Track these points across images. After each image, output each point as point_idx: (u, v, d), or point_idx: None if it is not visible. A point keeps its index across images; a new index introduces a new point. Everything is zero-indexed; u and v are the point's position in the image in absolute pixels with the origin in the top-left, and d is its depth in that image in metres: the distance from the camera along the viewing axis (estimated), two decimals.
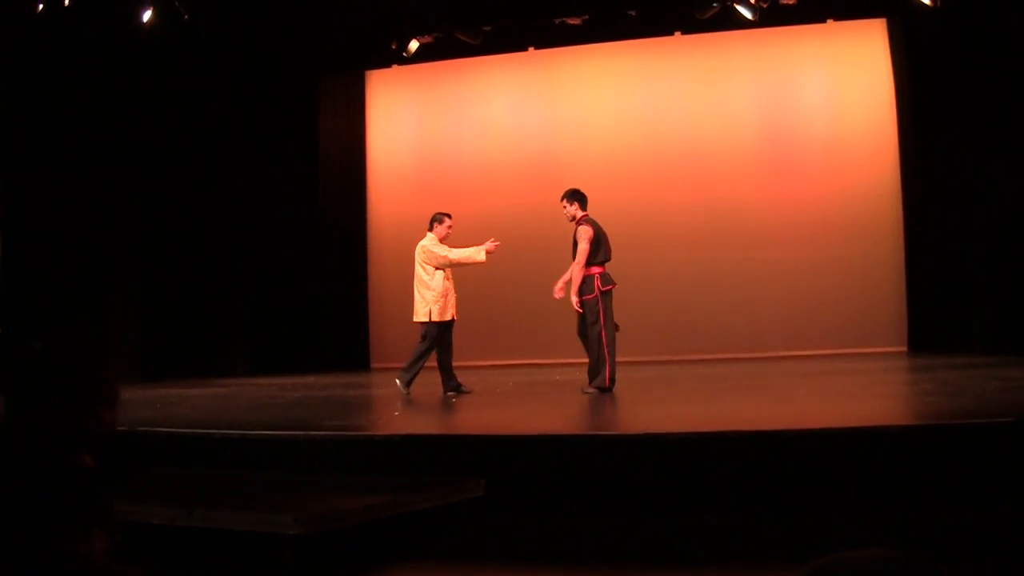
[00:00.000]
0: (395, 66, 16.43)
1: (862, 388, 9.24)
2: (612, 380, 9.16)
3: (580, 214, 9.50)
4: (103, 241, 13.91)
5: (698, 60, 15.71)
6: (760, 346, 14.66)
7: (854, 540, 2.04)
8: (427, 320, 9.66)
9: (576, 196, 9.61)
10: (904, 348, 14.12)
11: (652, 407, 8.46)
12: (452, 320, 9.77)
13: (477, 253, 9.63)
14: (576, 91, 16.27)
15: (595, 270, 9.32)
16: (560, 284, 9.43)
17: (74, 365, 2.38)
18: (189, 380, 13.32)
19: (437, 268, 9.68)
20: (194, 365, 14.45)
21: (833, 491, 5.45)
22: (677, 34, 15.22)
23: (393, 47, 15.43)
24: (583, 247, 9.26)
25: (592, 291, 9.24)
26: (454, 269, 9.85)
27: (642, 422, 7.25)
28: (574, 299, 9.21)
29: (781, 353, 14.33)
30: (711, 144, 15.49)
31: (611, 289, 9.31)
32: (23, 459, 2.23)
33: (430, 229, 9.97)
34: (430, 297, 9.66)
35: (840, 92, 15.27)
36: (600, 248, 9.38)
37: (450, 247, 9.83)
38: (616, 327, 9.33)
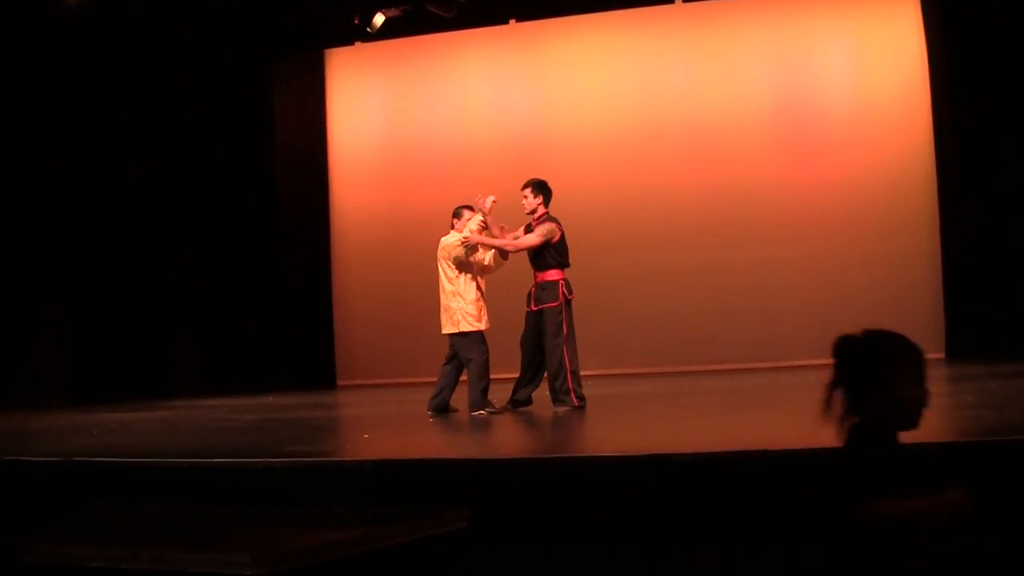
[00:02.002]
0: (358, 43, 16.48)
1: None
2: (581, 398, 9.27)
3: (543, 210, 9.58)
4: (23, 248, 13.85)
5: (702, 29, 15.80)
6: (776, 355, 14.70)
7: None
8: (461, 331, 9.64)
9: (543, 188, 9.66)
10: (941, 355, 14.15)
11: (656, 425, 8.46)
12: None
13: (472, 224, 9.66)
14: (563, 68, 16.32)
15: (558, 275, 9.42)
16: (480, 228, 9.55)
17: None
18: (129, 403, 13.28)
19: (459, 263, 9.69)
20: (134, 386, 14.45)
21: None
22: (678, 0, 15.29)
23: (356, 22, 15.46)
24: (532, 242, 9.36)
25: (556, 298, 9.33)
26: (484, 275, 9.90)
27: (645, 442, 7.24)
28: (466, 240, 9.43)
29: (802, 363, 14.32)
30: (719, 124, 15.54)
31: (572, 299, 9.44)
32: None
33: (452, 226, 9.98)
34: (460, 304, 9.65)
35: (866, 62, 15.30)
36: (564, 250, 9.50)
37: None
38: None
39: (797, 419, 8.29)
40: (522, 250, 9.50)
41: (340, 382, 16.75)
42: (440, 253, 9.80)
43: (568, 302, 9.36)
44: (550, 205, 9.66)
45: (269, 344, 16.17)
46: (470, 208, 9.92)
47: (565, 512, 5.79)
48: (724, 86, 15.62)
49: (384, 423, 9.61)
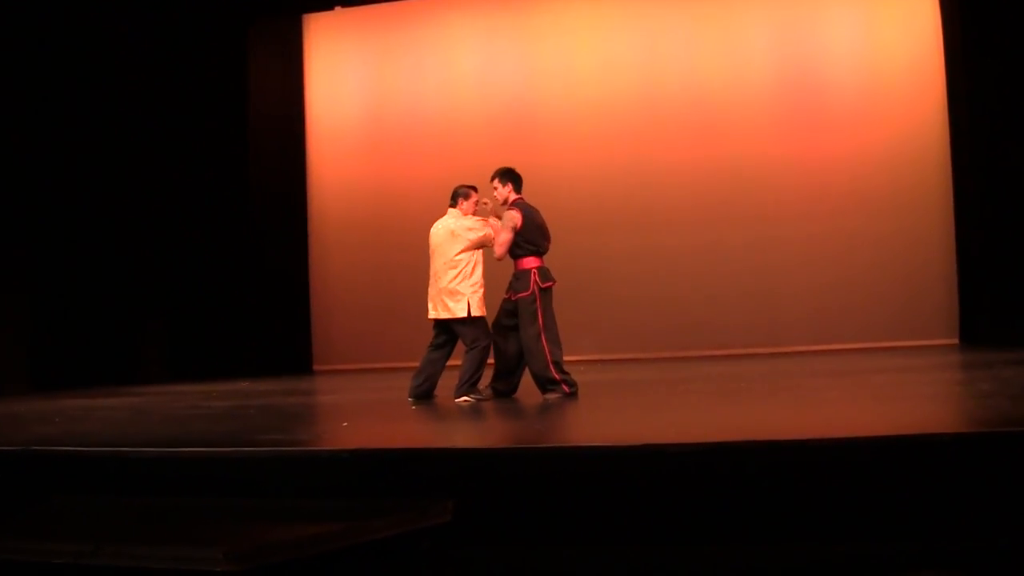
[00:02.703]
0: (338, 8, 16.39)
1: (906, 389, 9.25)
2: (572, 384, 9.31)
3: (513, 196, 9.63)
4: None
5: None
6: (781, 340, 14.76)
7: (901, 569, 2.04)
8: (467, 316, 9.63)
9: (511, 176, 9.71)
10: (955, 341, 14.21)
11: (652, 414, 8.44)
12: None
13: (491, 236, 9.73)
14: (556, 35, 16.32)
15: (530, 262, 9.44)
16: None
17: None
18: (95, 390, 13.26)
19: (478, 248, 9.74)
20: (101, 372, 14.41)
21: (875, 512, 5.45)
22: None
23: None
24: (504, 238, 9.38)
25: (527, 287, 9.36)
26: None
27: (640, 431, 7.24)
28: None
29: (806, 348, 14.40)
30: (720, 97, 15.55)
31: (551, 287, 9.47)
32: None
33: (452, 205, 9.95)
34: (468, 288, 9.65)
35: (876, 29, 15.30)
36: (535, 236, 9.50)
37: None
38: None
39: (801, 408, 8.33)
40: (503, 249, 9.49)
41: (317, 367, 16.79)
42: (456, 232, 9.74)
43: (543, 291, 9.38)
44: (522, 190, 9.70)
45: (243, 327, 16.17)
46: (473, 188, 9.95)
47: (555, 506, 5.77)
48: (726, 56, 15.60)
49: (363, 410, 9.62)
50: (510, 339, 9.54)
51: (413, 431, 8.25)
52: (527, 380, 9.62)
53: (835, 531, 5.46)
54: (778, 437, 6.03)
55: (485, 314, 9.72)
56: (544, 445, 6.56)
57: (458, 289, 9.64)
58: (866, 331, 14.60)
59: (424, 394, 9.82)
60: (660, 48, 15.87)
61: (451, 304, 9.66)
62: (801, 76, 15.38)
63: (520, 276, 9.42)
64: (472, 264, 9.69)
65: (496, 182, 9.67)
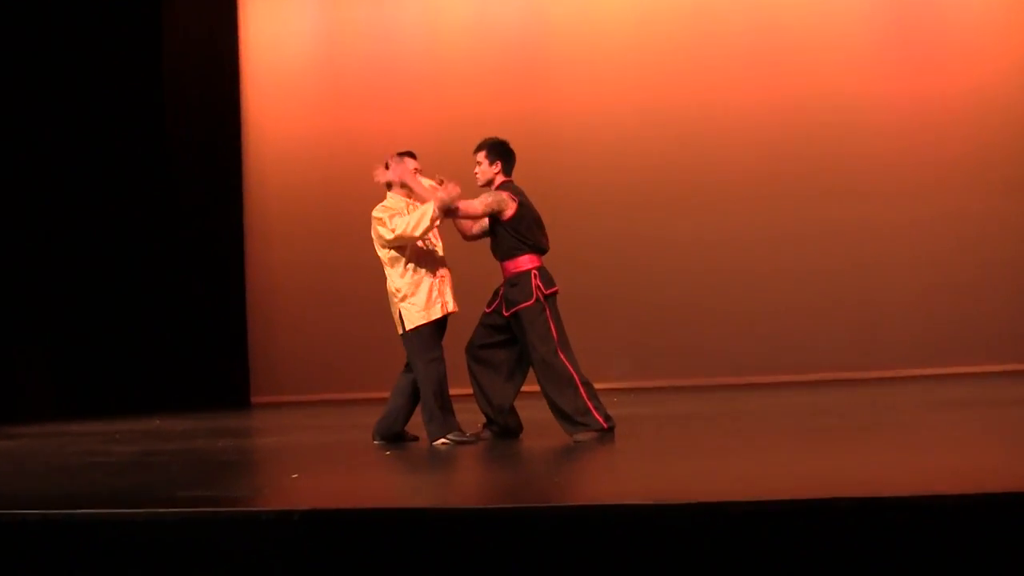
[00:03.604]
0: None
1: None
2: (608, 419, 9.30)
3: (501, 179, 9.70)
4: None
5: None
6: (873, 362, 14.73)
7: None
8: (406, 329, 9.71)
9: (500, 152, 9.76)
10: None
11: (709, 460, 8.40)
12: (446, 316, 9.83)
13: (424, 212, 9.53)
14: None
15: (528, 262, 9.48)
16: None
17: None
18: None
19: (389, 247, 9.72)
20: None
21: None
22: None
23: None
24: (476, 207, 9.45)
25: (529, 295, 9.38)
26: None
27: (694, 485, 7.21)
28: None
29: (907, 373, 14.32)
30: (794, 24, 15.44)
31: (555, 292, 9.51)
32: None
33: (388, 187, 10.00)
34: (395, 297, 9.74)
35: None
36: (534, 230, 9.56)
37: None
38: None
39: (915, 452, 8.28)
40: (465, 218, 9.55)
41: (256, 399, 16.81)
42: (374, 221, 9.81)
43: (548, 297, 9.41)
44: (512, 173, 9.77)
45: (156, 347, 16.17)
46: (408, 154, 9.91)
47: None
48: None
49: (317, 456, 9.65)
50: (495, 362, 9.61)
51: (381, 484, 8.24)
52: (538, 414, 9.62)
53: None
54: (885, 493, 5.93)
55: (431, 320, 9.68)
56: (559, 504, 6.56)
57: (391, 297, 9.78)
58: (979, 351, 14.55)
59: (389, 431, 9.92)
60: None
61: (394, 317, 9.79)
62: None
63: (517, 281, 9.44)
64: (399, 262, 9.71)
65: (481, 156, 9.70)
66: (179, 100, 16.71)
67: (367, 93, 16.58)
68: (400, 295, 9.64)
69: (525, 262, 9.44)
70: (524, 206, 9.51)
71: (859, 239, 15.09)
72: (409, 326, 9.60)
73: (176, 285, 16.43)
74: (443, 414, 9.55)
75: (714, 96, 15.53)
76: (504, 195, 9.48)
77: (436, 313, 9.66)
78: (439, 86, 16.22)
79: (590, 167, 15.26)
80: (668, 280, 15.40)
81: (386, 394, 10.17)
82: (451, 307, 9.75)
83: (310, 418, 13.90)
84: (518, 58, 16.06)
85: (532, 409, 10.01)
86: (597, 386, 9.53)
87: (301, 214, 16.85)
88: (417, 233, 9.39)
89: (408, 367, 9.93)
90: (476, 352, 9.69)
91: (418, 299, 9.63)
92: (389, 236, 9.51)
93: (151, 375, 15.99)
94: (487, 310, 9.71)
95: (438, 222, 9.52)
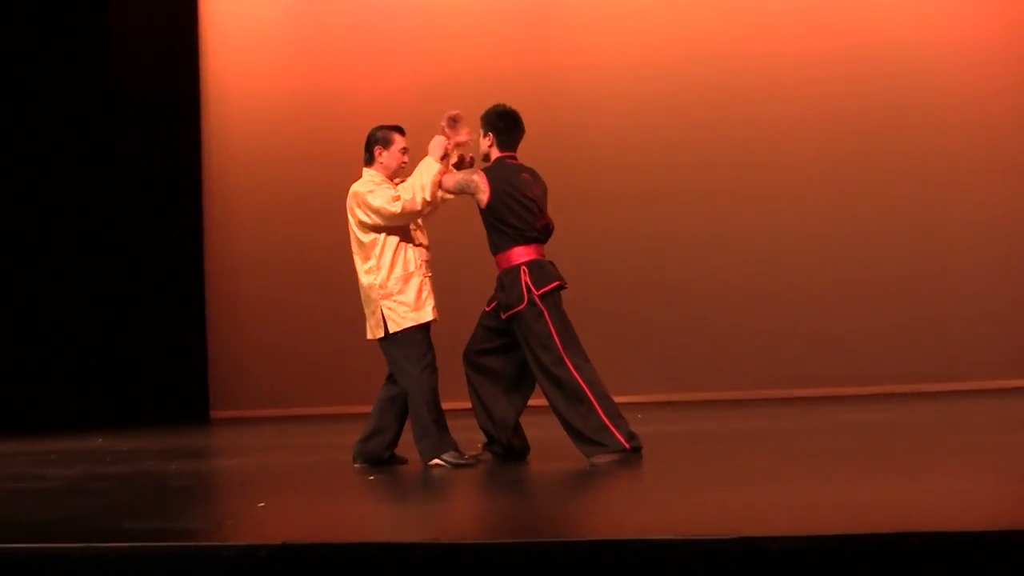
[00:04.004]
0: None
1: None
2: (632, 437, 9.20)
3: (497, 154, 9.70)
4: None
5: None
6: (933, 374, 14.75)
7: None
8: (387, 334, 9.70)
9: (494, 123, 9.72)
10: None
11: (746, 487, 8.35)
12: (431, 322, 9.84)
13: (428, 167, 9.58)
14: None
15: (517, 255, 9.43)
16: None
17: None
18: None
19: (382, 229, 9.67)
20: None
21: None
22: None
23: None
24: (453, 180, 9.51)
25: (519, 298, 9.34)
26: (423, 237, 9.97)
27: (730, 517, 7.08)
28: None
29: (965, 386, 14.31)
30: None
31: (557, 288, 9.40)
32: None
33: (366, 163, 9.94)
34: (377, 292, 9.68)
35: None
36: (518, 212, 9.45)
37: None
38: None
39: (987, 479, 8.13)
40: (446, 185, 9.59)
41: (215, 413, 17.01)
42: (351, 215, 9.82)
43: (545, 296, 9.30)
44: (516, 146, 9.73)
45: (100, 353, 16.19)
46: (396, 130, 9.92)
47: None
48: None
49: (288, 481, 9.67)
50: (496, 371, 9.61)
51: (362, 515, 8.21)
52: (549, 434, 9.49)
53: None
54: (962, 527, 5.87)
55: (421, 323, 9.67)
56: (576, 539, 6.46)
57: (368, 293, 9.74)
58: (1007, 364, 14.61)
59: (373, 454, 9.90)
60: None
61: (369, 319, 9.81)
62: None
63: (505, 278, 9.42)
64: (381, 253, 9.67)
65: (484, 129, 9.68)
66: (131, 72, 16.78)
67: (349, 46, 16.64)
68: (382, 292, 9.59)
69: (515, 255, 9.37)
70: (503, 191, 9.38)
71: (924, 240, 15.04)
72: (395, 328, 9.54)
73: (123, 281, 16.51)
74: (438, 430, 9.53)
75: (759, 47, 15.53)
76: (476, 177, 9.42)
77: (427, 315, 9.66)
78: (430, 39, 16.32)
79: (608, 144, 15.22)
80: (701, 278, 15.39)
81: (365, 408, 10.24)
82: (435, 313, 9.76)
83: (278, 436, 14.03)
84: (526, 9, 16.03)
85: (541, 427, 10.05)
86: (619, 399, 9.45)
87: (271, 202, 16.91)
88: (427, 195, 9.40)
89: (391, 378, 9.90)
90: (475, 359, 9.66)
91: (406, 297, 9.61)
92: (394, 208, 9.43)
93: (93, 386, 16.05)
94: (487, 309, 9.69)
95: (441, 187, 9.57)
